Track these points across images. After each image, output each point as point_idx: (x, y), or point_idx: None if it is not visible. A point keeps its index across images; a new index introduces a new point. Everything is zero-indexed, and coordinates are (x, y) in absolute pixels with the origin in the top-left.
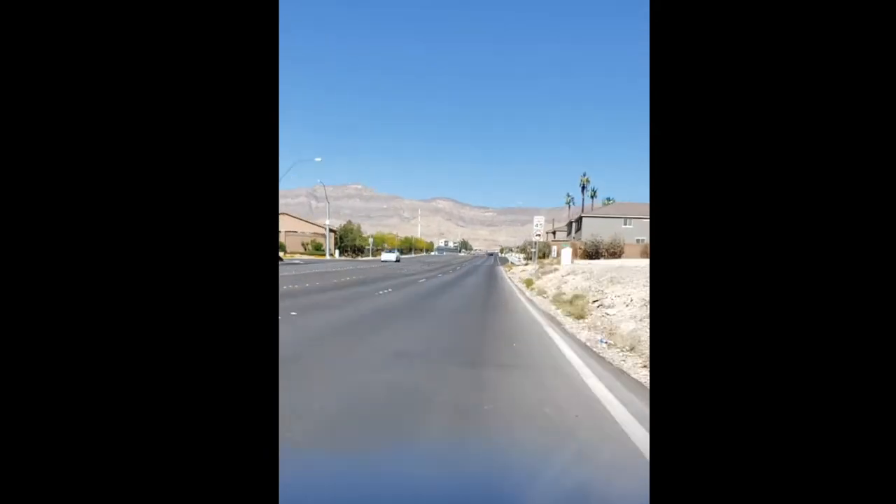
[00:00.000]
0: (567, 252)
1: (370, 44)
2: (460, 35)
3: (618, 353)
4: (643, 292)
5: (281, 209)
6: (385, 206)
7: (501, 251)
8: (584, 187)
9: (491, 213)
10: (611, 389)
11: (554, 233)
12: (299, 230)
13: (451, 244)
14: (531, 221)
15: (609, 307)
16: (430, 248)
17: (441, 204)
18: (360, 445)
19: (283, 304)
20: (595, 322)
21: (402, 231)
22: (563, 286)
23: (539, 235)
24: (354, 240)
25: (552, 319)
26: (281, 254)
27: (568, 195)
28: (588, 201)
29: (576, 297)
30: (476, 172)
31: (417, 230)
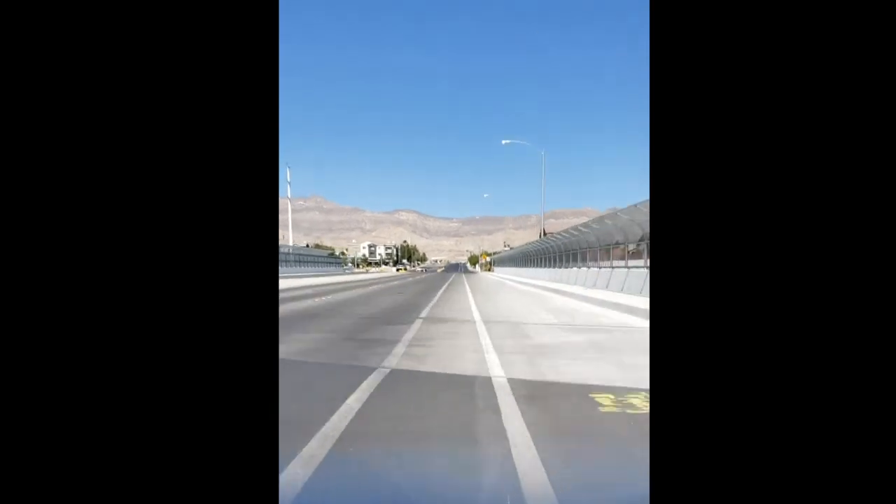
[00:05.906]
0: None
1: (328, 54)
2: (424, 44)
3: None
4: None
5: None
6: (345, 219)
7: (471, 261)
8: None
9: (455, 224)
10: None
11: None
12: None
13: (380, 253)
14: (498, 230)
15: None
16: None
17: (404, 216)
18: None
19: None
20: None
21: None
22: None
23: None
24: None
25: None
26: None
27: None
28: None
29: None
30: (440, 181)
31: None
